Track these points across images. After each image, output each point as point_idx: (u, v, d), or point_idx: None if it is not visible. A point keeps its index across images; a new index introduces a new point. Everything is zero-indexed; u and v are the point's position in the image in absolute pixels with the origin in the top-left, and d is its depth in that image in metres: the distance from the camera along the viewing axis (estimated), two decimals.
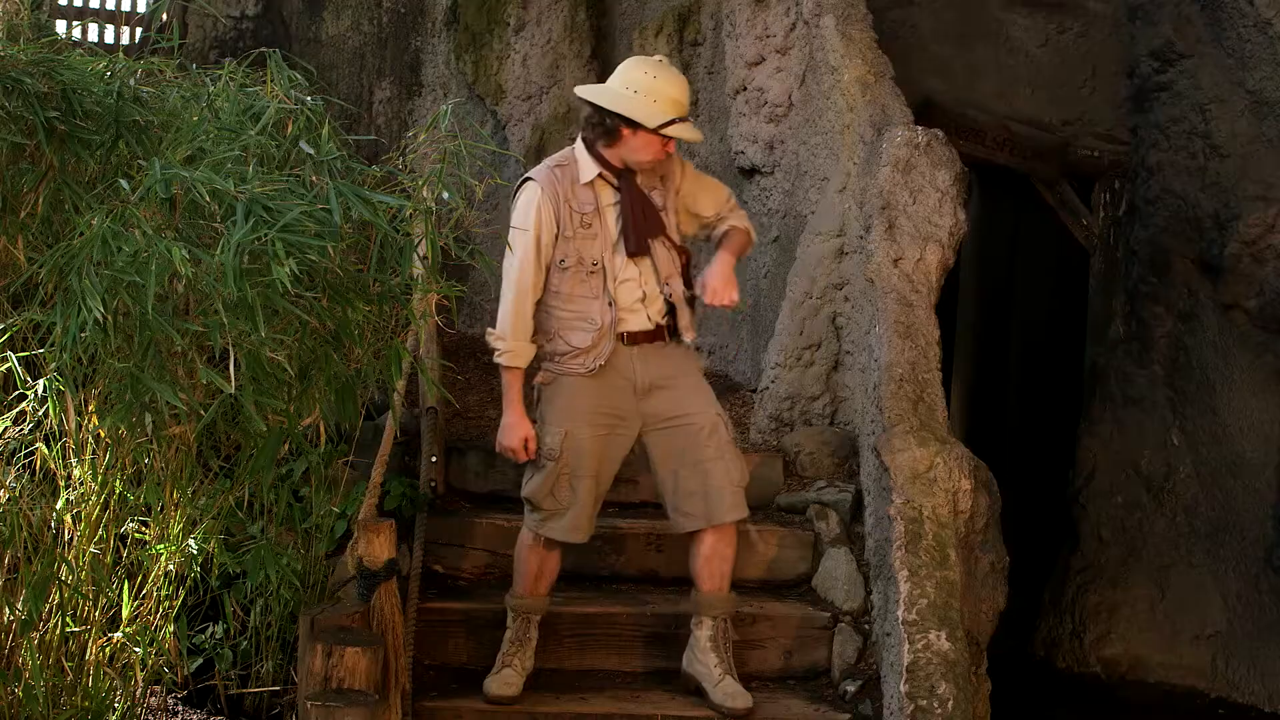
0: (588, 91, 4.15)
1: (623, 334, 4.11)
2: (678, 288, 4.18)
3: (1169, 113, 6.88)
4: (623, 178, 4.12)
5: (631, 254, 4.11)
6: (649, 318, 4.15)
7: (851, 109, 5.27)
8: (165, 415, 3.59)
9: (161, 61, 4.14)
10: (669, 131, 4.03)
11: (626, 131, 4.04)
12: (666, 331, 4.18)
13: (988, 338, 9.18)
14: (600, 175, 4.12)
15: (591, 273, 4.10)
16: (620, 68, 4.15)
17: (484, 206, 7.18)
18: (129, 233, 3.22)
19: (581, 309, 4.11)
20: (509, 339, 4.10)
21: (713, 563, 4.17)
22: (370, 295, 3.65)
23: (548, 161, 4.22)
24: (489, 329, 4.15)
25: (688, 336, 4.21)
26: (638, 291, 4.13)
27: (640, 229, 4.11)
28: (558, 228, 4.09)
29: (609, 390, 4.12)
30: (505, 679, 4.17)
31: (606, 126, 4.07)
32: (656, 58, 4.22)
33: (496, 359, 4.14)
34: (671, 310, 4.18)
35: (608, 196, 4.14)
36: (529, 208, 4.10)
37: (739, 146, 6.21)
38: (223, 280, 3.13)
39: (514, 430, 4.12)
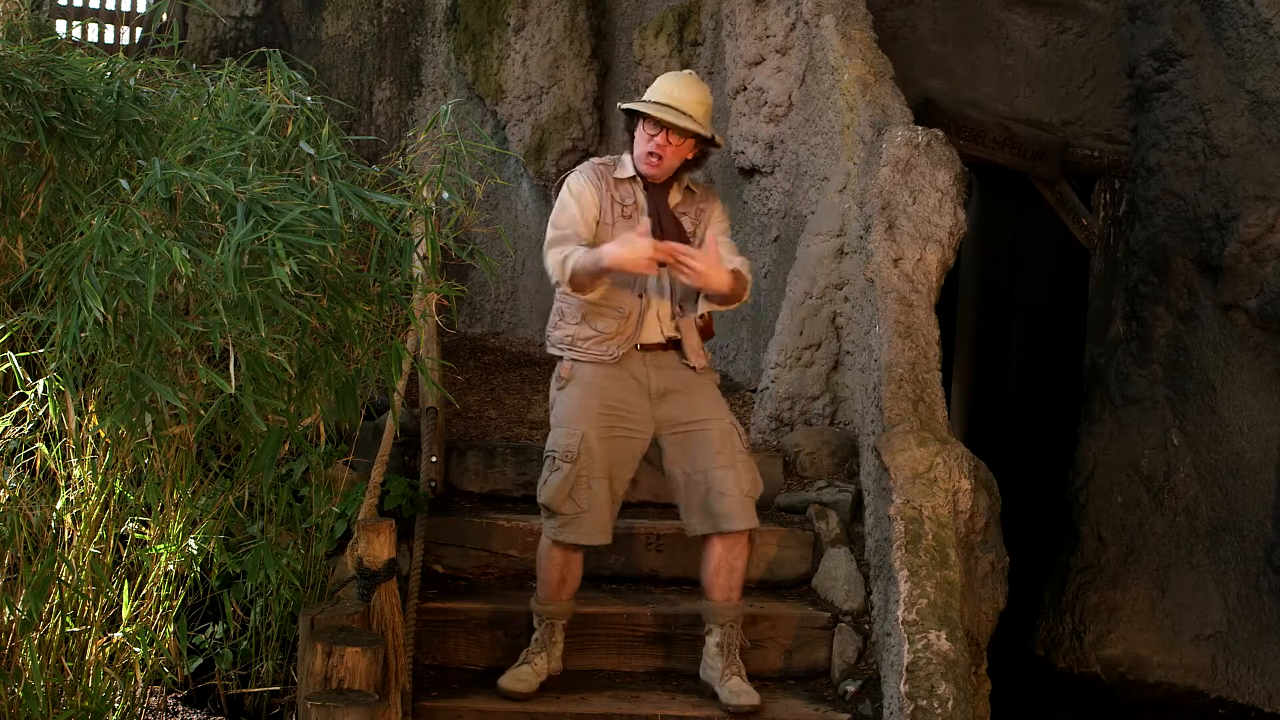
0: (623, 104, 4.30)
1: (636, 344, 4.17)
2: (690, 311, 4.22)
3: (1169, 113, 6.88)
4: (651, 190, 4.20)
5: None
6: (661, 331, 4.19)
7: (851, 109, 5.27)
8: (165, 415, 3.59)
9: (161, 61, 4.14)
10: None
11: (637, 132, 4.17)
12: (675, 348, 4.21)
13: (988, 338, 9.18)
14: (636, 176, 4.20)
15: None
16: None
17: (484, 206, 7.18)
18: (129, 233, 3.22)
19: (612, 297, 4.15)
20: (565, 271, 4.08)
21: (721, 574, 4.17)
22: (370, 295, 3.65)
23: (590, 160, 4.34)
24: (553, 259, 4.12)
25: (694, 360, 4.22)
26: (660, 297, 4.18)
27: (668, 239, 4.13)
28: (599, 212, 4.16)
29: (623, 390, 4.15)
30: (519, 675, 4.18)
31: (627, 128, 4.23)
32: (686, 72, 4.29)
33: (562, 277, 4.08)
34: (677, 334, 4.21)
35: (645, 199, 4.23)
36: (572, 184, 4.19)
37: (739, 146, 6.21)
38: (223, 280, 3.13)
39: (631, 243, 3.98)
